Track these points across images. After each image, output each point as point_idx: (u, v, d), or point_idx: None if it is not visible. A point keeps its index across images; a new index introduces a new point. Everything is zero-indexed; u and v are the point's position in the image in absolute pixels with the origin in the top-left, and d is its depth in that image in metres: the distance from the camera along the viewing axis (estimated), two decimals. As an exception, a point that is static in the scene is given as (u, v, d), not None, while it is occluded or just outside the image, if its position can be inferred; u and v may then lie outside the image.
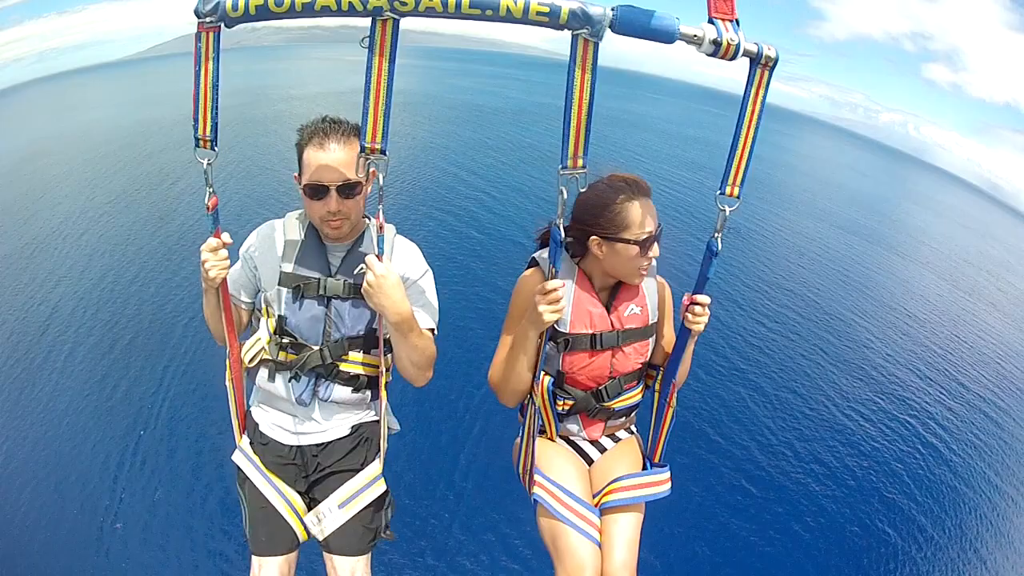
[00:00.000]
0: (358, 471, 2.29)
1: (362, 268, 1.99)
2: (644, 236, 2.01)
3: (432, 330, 2.18)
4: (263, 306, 2.20)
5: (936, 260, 19.19)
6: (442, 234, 11.57)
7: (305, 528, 2.25)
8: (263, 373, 2.24)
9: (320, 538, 2.25)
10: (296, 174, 2.09)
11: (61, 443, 5.89)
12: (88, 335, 7.92)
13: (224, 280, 2.00)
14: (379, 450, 2.29)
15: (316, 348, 2.14)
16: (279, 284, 2.12)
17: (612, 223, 2.02)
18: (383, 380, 2.20)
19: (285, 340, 2.16)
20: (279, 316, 2.15)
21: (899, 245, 19.84)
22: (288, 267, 2.11)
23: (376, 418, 2.37)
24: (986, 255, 24.02)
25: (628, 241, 2.02)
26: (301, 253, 2.13)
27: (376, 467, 2.29)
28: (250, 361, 2.20)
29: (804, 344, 9.51)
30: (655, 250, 2.05)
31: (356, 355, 2.19)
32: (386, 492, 2.33)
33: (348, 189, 2.00)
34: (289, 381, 2.19)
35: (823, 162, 46.33)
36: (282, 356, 2.17)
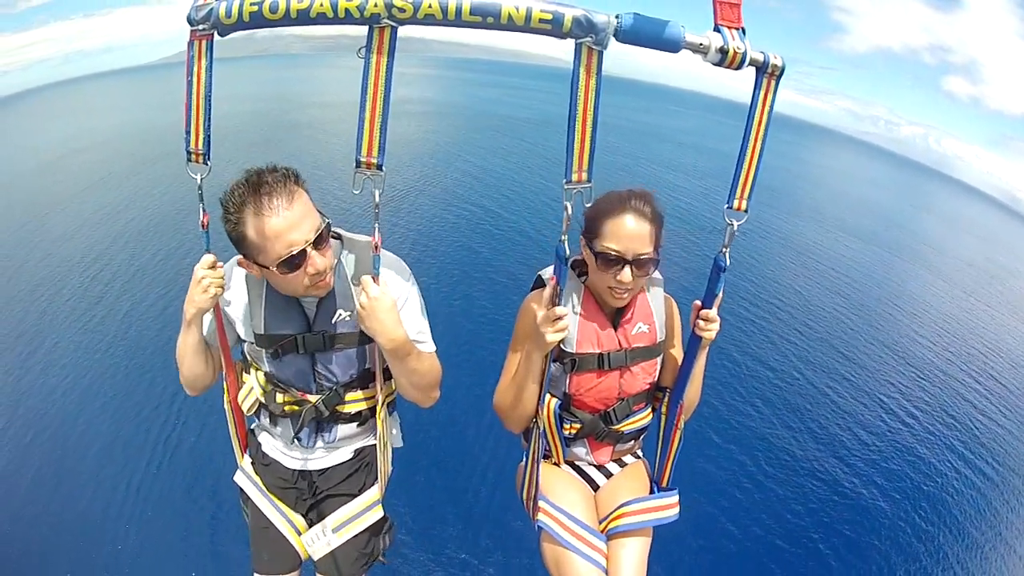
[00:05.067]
0: (355, 496, 2.24)
1: (341, 315, 1.90)
2: (611, 253, 1.90)
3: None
4: (248, 358, 2.10)
5: (942, 265, 19.36)
6: (454, 231, 11.82)
7: (306, 547, 2.24)
8: (264, 419, 2.19)
9: (314, 559, 2.23)
10: (240, 258, 1.82)
11: (67, 441, 6.04)
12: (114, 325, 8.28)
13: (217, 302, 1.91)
14: (379, 476, 2.24)
15: (312, 399, 2.05)
16: (256, 344, 1.98)
17: (591, 227, 1.97)
18: (379, 411, 2.11)
19: (279, 397, 2.07)
20: (266, 372, 2.05)
21: (911, 253, 19.98)
22: (260, 327, 1.94)
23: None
24: (994, 261, 24.01)
25: (592, 249, 1.96)
26: (270, 310, 1.93)
27: (374, 493, 2.25)
28: (248, 410, 2.15)
29: (815, 349, 9.55)
30: (624, 275, 1.91)
31: (354, 395, 2.11)
32: (384, 518, 2.28)
33: (320, 239, 1.76)
34: (292, 442, 2.13)
35: (845, 175, 46.14)
36: (280, 399, 2.07)
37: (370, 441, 2.30)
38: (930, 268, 18.19)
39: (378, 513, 2.25)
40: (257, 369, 2.08)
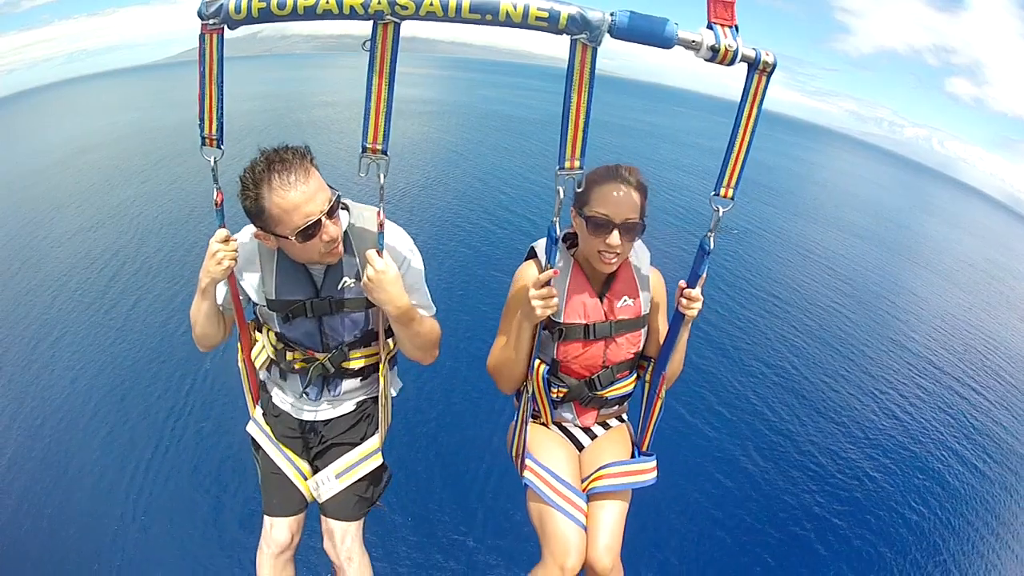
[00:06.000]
0: (357, 444, 2.41)
1: (346, 282, 2.05)
2: (599, 216, 2.00)
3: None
4: (261, 319, 2.27)
5: (941, 264, 19.38)
6: (457, 228, 12.05)
7: (312, 491, 2.43)
8: (275, 372, 2.37)
9: (320, 502, 2.41)
10: (257, 230, 1.96)
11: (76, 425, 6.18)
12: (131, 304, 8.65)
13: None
14: (379, 426, 2.42)
15: (320, 356, 2.22)
16: (268, 308, 2.14)
17: (582, 195, 2.06)
18: (382, 368, 2.27)
19: (290, 355, 2.24)
20: (277, 332, 2.22)
21: (911, 253, 19.99)
22: (272, 293, 2.11)
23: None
24: (995, 262, 23.83)
25: (582, 215, 2.05)
26: (281, 277, 2.10)
27: (374, 442, 2.42)
28: (260, 366, 2.36)
29: (802, 338, 9.71)
30: (613, 238, 2.01)
31: (358, 352, 2.27)
32: (383, 466, 2.46)
33: (332, 210, 1.92)
34: (300, 397, 2.31)
35: (848, 176, 46.02)
36: (290, 356, 2.25)
37: (371, 394, 2.46)
38: (929, 267, 18.22)
39: (377, 460, 2.42)
40: (269, 330, 2.26)
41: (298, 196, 1.82)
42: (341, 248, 2.03)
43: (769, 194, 22.36)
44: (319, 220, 1.87)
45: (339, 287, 2.09)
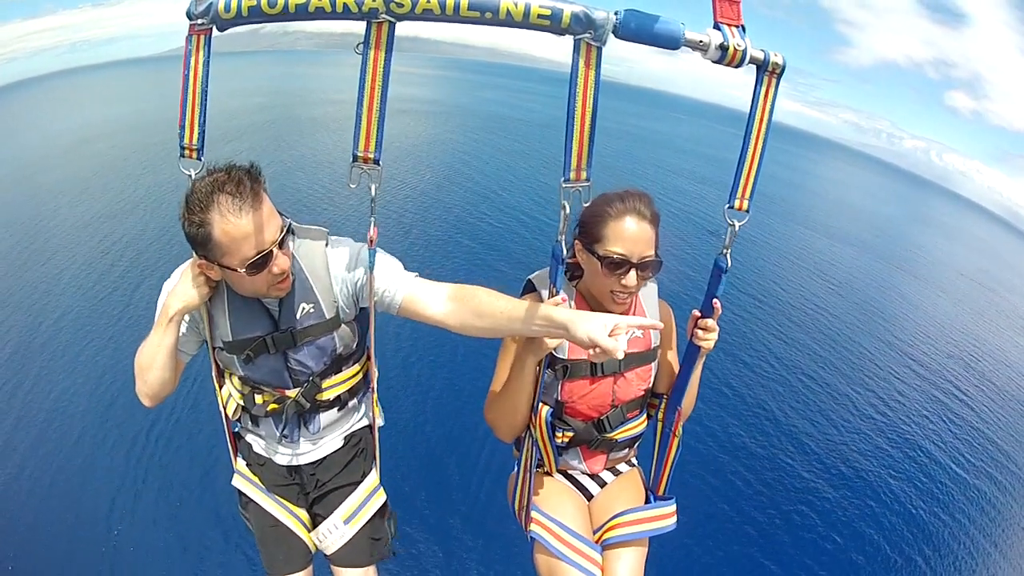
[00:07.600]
0: (359, 483, 2.25)
1: (304, 309, 1.87)
2: (615, 256, 1.85)
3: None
4: (220, 364, 2.04)
5: (933, 275, 19.59)
6: (455, 228, 12.16)
7: (318, 543, 2.25)
8: (246, 419, 2.16)
9: (328, 553, 2.23)
10: (200, 262, 1.73)
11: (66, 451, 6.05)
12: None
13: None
14: (374, 459, 2.26)
15: (291, 393, 2.02)
16: (226, 351, 1.92)
17: (591, 231, 1.90)
18: (375, 396, 2.14)
19: (259, 398, 2.03)
20: (240, 376, 2.01)
21: (904, 263, 20.09)
22: (227, 334, 1.88)
23: (366, 423, 2.31)
24: (986, 272, 24.11)
25: (596, 255, 1.89)
26: (235, 316, 1.87)
27: (374, 478, 2.27)
28: (233, 415, 2.14)
29: (809, 353, 9.69)
30: (630, 279, 1.86)
31: (330, 381, 2.07)
32: (386, 502, 2.30)
33: (282, 240, 1.72)
34: (280, 442, 2.12)
35: (845, 187, 46.46)
36: (260, 399, 2.04)
37: (356, 426, 2.27)
38: (920, 277, 18.39)
39: (382, 497, 2.27)
40: (231, 374, 2.05)
41: (250, 224, 1.62)
42: (289, 282, 1.82)
43: (765, 201, 22.49)
44: (271, 251, 1.68)
45: (298, 316, 1.88)
